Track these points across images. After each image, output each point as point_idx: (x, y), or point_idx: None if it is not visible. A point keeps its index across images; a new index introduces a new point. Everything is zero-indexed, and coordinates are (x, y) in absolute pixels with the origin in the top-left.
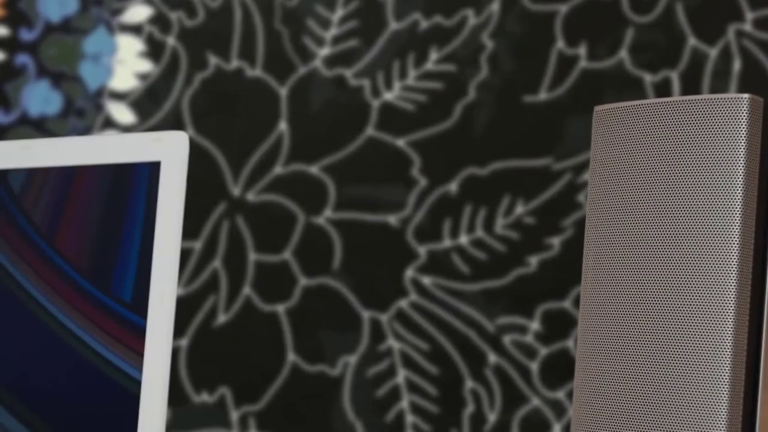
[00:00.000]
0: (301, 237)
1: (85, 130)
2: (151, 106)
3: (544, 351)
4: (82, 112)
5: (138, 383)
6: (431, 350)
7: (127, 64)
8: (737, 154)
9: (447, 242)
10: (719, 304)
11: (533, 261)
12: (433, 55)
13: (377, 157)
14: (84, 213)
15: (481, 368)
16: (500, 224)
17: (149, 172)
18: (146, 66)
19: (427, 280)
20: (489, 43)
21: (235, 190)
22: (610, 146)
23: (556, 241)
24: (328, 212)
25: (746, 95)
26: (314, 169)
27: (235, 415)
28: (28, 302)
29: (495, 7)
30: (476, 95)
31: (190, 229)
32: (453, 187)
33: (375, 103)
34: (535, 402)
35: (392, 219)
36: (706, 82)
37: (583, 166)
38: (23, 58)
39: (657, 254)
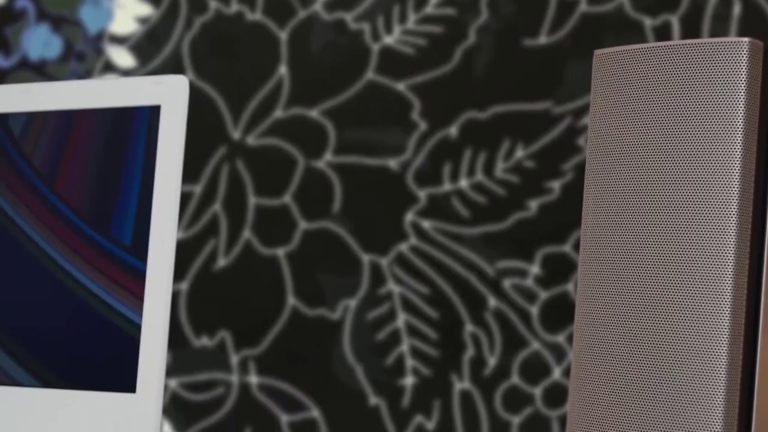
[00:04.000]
0: (301, 181)
1: (85, 74)
2: (151, 49)
3: (544, 295)
4: (82, 56)
5: (138, 327)
6: (431, 294)
7: (127, 7)
8: (737, 98)
9: (447, 186)
10: (718, 248)
11: (533, 205)
12: None
13: (377, 101)
14: (84, 156)
15: (481, 312)
16: (500, 168)
17: (149, 115)
18: (146, 10)
19: (427, 224)
20: None
21: (235, 134)
22: (610, 90)
23: (556, 185)
24: (328, 156)
25: (746, 39)
26: (314, 113)
27: (235, 359)
28: (28, 245)
29: None
30: (476, 39)
31: (189, 173)
32: (453, 130)
33: (375, 47)
34: (535, 346)
35: (392, 163)
36: (706, 26)
37: (583, 110)
38: (23, 2)
39: (656, 198)
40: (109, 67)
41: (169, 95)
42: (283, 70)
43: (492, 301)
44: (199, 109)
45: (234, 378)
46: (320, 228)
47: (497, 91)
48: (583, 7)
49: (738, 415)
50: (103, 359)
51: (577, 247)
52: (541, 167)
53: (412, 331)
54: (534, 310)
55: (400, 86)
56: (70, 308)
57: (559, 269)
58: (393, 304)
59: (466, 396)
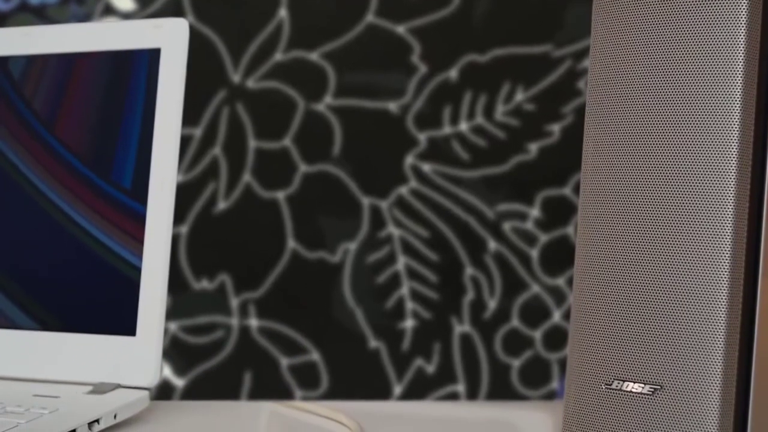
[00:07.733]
0: (301, 124)
1: (85, 17)
2: None
3: (544, 238)
4: None
5: (138, 270)
6: (431, 237)
7: None
8: (737, 41)
9: (447, 129)
10: (718, 191)
11: (533, 148)
12: None
13: (377, 44)
14: (84, 100)
15: (481, 255)
16: (500, 111)
17: (149, 58)
18: None
19: (427, 167)
20: None
21: (236, 77)
22: (611, 33)
23: (556, 128)
24: (328, 99)
25: None
26: (314, 56)
27: (235, 302)
28: (28, 189)
29: None
30: None
31: (190, 116)
32: (453, 73)
33: None
34: (535, 289)
35: (392, 106)
36: None
37: (583, 53)
38: None
39: (656, 141)
40: (109, 10)
41: (170, 38)
42: (283, 13)
43: (492, 244)
44: (199, 52)
45: (234, 321)
46: (320, 171)
47: (497, 34)
48: None
49: (738, 358)
50: (103, 302)
51: (577, 190)
52: (541, 110)
53: (412, 275)
54: (534, 253)
55: (400, 29)
56: (70, 251)
57: (559, 212)
58: (393, 247)
59: (466, 339)
